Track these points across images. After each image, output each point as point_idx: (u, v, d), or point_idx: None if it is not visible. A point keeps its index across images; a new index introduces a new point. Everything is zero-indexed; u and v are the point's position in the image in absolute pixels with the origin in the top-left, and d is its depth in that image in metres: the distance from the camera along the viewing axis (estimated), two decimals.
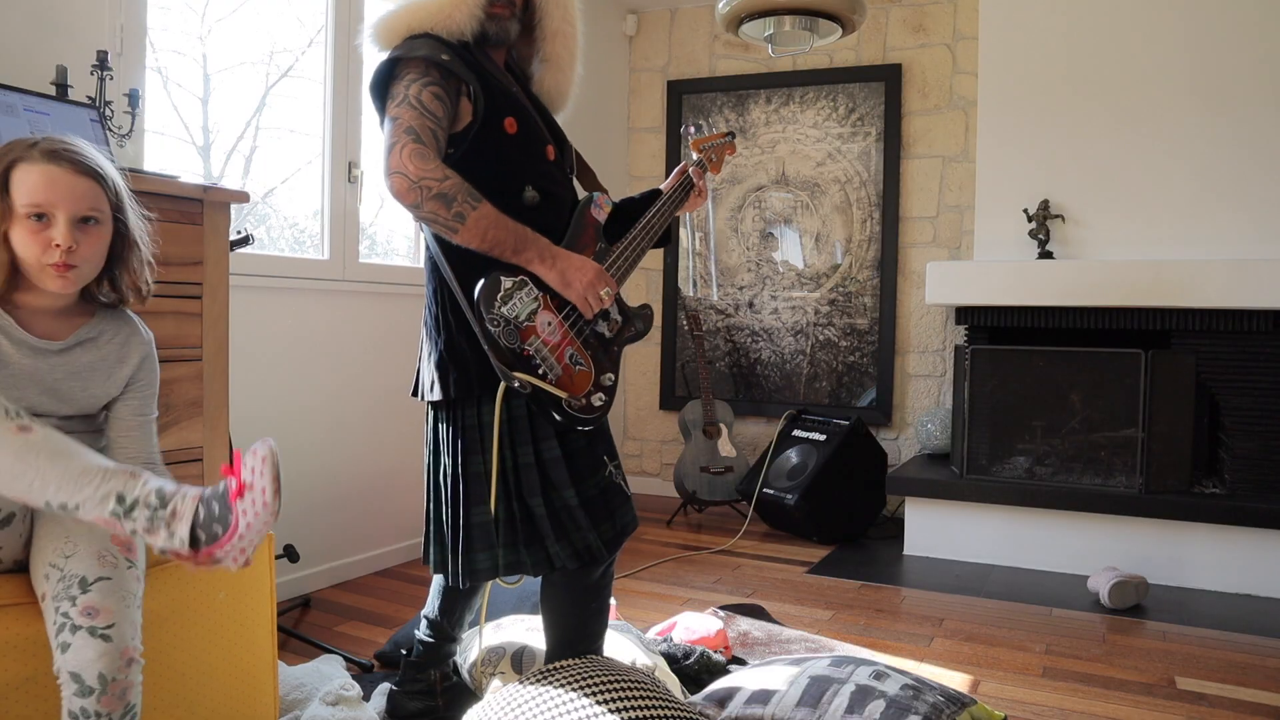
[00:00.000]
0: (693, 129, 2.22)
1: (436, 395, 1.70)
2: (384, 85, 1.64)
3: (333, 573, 2.94)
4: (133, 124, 2.17)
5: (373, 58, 1.74)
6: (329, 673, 1.97)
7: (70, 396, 1.40)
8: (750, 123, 4.31)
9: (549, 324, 1.64)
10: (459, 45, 1.66)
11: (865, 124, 4.09)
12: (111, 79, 2.10)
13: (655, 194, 1.93)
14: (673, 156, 4.50)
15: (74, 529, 1.30)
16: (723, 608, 2.67)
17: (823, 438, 3.71)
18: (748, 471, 3.92)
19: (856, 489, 3.65)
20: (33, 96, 1.90)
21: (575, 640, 1.78)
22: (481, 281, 1.61)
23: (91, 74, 2.06)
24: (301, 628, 2.52)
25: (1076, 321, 3.30)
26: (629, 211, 1.90)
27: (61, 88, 1.98)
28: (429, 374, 1.74)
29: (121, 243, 1.41)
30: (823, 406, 4.13)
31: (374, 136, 3.23)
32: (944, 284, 3.41)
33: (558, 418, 1.63)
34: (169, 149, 2.60)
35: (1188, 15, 3.22)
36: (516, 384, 1.59)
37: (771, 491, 3.66)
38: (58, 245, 1.30)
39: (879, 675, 1.72)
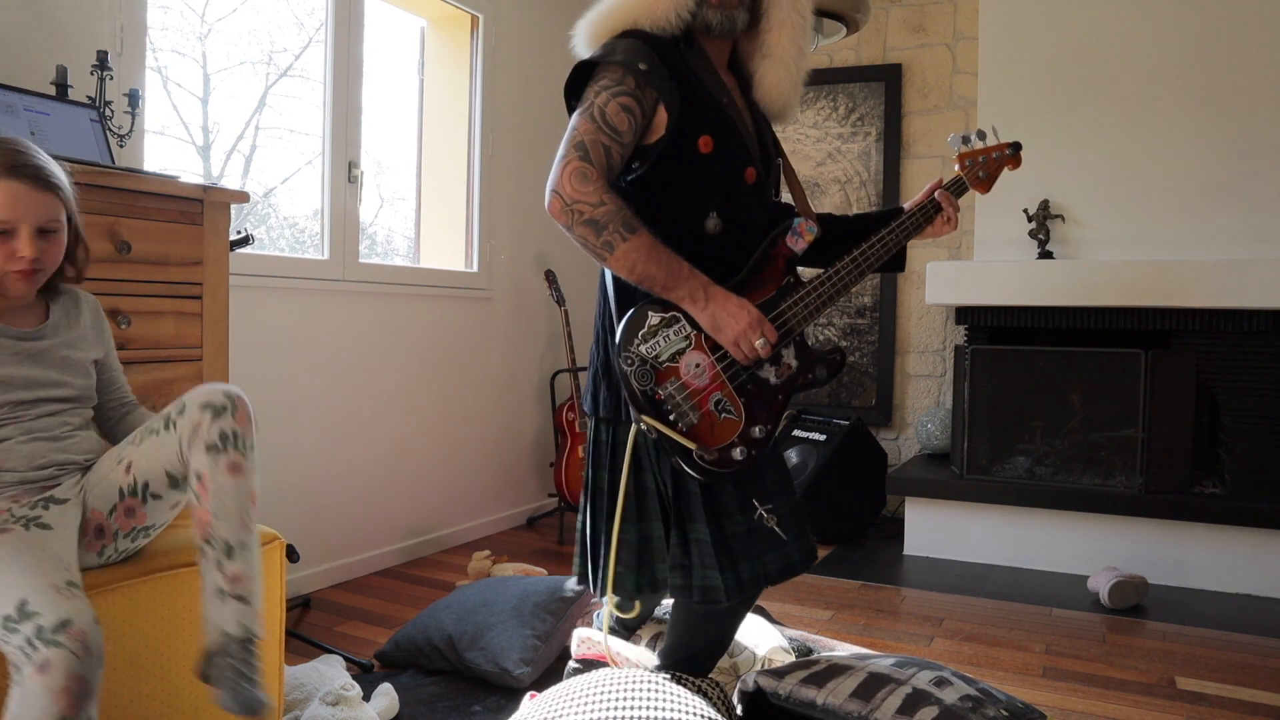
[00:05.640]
0: (964, 139, 1.84)
1: (588, 405, 1.68)
2: (578, 86, 1.56)
3: (333, 573, 2.94)
4: (133, 124, 2.17)
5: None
6: (329, 673, 1.97)
7: (73, 370, 1.48)
8: None
9: (697, 366, 1.54)
10: (669, 43, 1.56)
11: (865, 124, 4.09)
12: (111, 79, 2.11)
13: (892, 214, 1.74)
14: None
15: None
16: None
17: (823, 438, 3.71)
18: None
19: (856, 489, 3.65)
20: (33, 96, 1.90)
21: (683, 660, 1.76)
22: (628, 314, 1.55)
23: (91, 74, 2.06)
24: (301, 628, 2.52)
25: (1076, 321, 3.30)
26: (856, 231, 1.73)
27: (61, 88, 1.98)
28: (588, 383, 1.71)
29: (74, 242, 1.48)
30: (823, 406, 4.13)
31: (374, 136, 3.23)
32: (944, 284, 3.41)
33: (685, 468, 1.54)
34: (169, 149, 2.61)
35: (1188, 15, 3.22)
36: (644, 427, 1.52)
37: None
38: (22, 256, 1.37)
39: (940, 682, 1.66)
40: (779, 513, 1.64)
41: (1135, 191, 3.31)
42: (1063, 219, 3.40)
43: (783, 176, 1.80)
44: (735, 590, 1.58)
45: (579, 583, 1.70)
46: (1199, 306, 3.07)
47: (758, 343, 1.53)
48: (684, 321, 1.55)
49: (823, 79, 4.15)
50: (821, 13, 2.55)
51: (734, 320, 1.53)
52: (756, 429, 1.57)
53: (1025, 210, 3.43)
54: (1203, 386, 3.15)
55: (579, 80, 1.56)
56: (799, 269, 1.69)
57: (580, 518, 1.72)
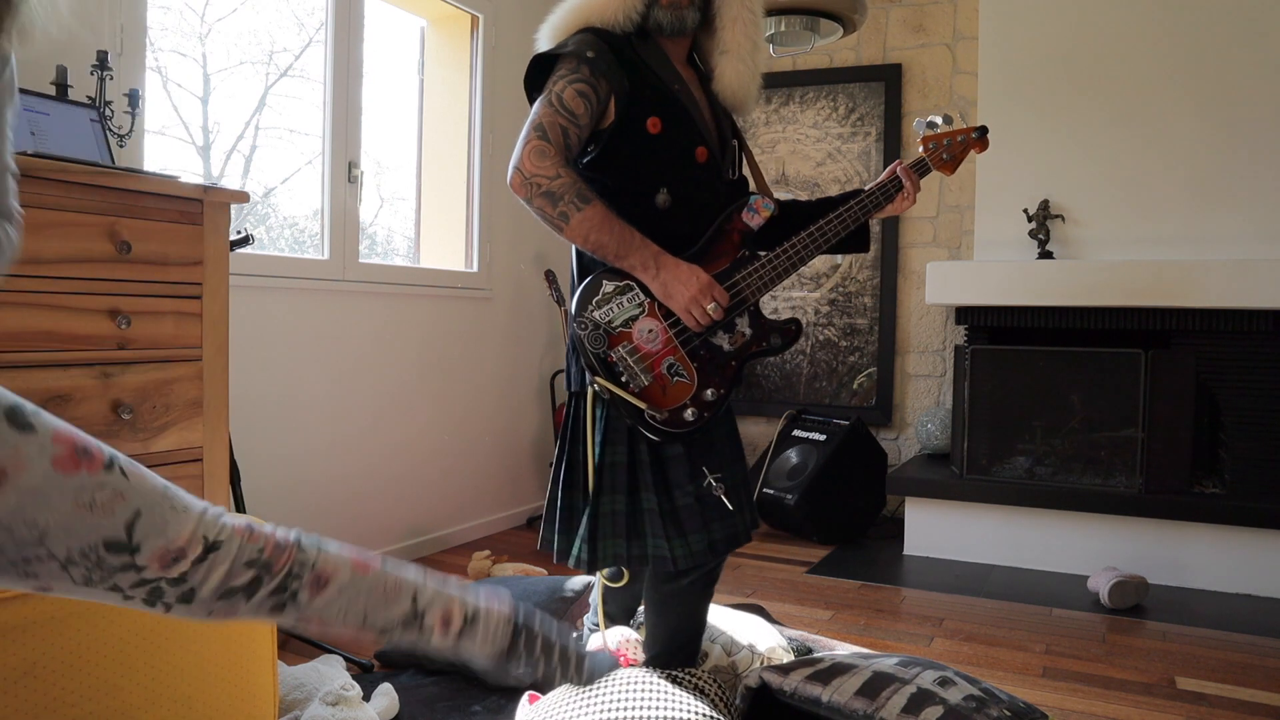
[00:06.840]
0: (929, 123, 1.91)
1: (566, 384, 1.76)
2: (538, 79, 1.66)
3: None
4: (133, 124, 2.17)
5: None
6: (329, 673, 1.97)
7: None
8: (750, 122, 4.31)
9: (650, 331, 1.62)
10: (622, 39, 1.65)
11: (865, 124, 4.09)
12: (111, 79, 2.11)
13: (853, 195, 1.82)
14: None
15: None
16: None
17: (823, 438, 3.71)
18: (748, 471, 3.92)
19: (856, 489, 3.65)
20: (33, 96, 1.90)
21: (665, 648, 1.80)
22: (584, 282, 1.63)
23: (91, 74, 2.06)
24: None
25: (1076, 321, 3.30)
26: (818, 213, 1.79)
27: (61, 88, 1.99)
28: (565, 363, 1.79)
29: None
30: (823, 406, 4.13)
31: (374, 136, 3.23)
32: (944, 284, 3.41)
33: (639, 427, 1.61)
34: (169, 149, 2.61)
35: (1187, 15, 3.22)
36: (596, 388, 1.60)
37: (771, 491, 3.66)
38: None
39: (944, 682, 1.67)
40: (727, 482, 1.70)
41: (1135, 191, 3.31)
42: (1063, 219, 3.40)
43: (745, 161, 1.86)
44: (685, 559, 1.64)
45: (557, 559, 1.73)
46: (1199, 306, 3.07)
47: (709, 307, 1.60)
48: (637, 289, 1.63)
49: (823, 79, 4.15)
50: (818, 13, 2.56)
51: (684, 287, 1.60)
52: (709, 391, 1.64)
53: (1025, 210, 3.43)
54: (1203, 386, 3.15)
55: (537, 74, 1.67)
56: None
57: (561, 492, 1.74)
